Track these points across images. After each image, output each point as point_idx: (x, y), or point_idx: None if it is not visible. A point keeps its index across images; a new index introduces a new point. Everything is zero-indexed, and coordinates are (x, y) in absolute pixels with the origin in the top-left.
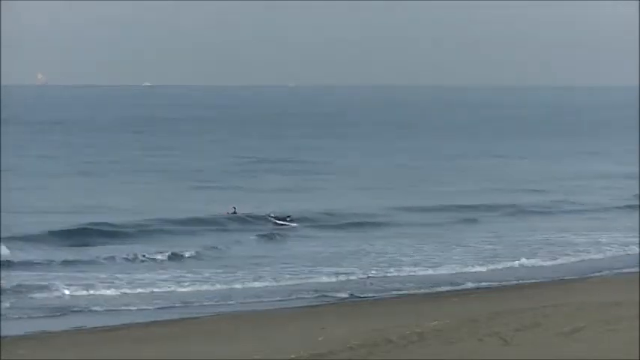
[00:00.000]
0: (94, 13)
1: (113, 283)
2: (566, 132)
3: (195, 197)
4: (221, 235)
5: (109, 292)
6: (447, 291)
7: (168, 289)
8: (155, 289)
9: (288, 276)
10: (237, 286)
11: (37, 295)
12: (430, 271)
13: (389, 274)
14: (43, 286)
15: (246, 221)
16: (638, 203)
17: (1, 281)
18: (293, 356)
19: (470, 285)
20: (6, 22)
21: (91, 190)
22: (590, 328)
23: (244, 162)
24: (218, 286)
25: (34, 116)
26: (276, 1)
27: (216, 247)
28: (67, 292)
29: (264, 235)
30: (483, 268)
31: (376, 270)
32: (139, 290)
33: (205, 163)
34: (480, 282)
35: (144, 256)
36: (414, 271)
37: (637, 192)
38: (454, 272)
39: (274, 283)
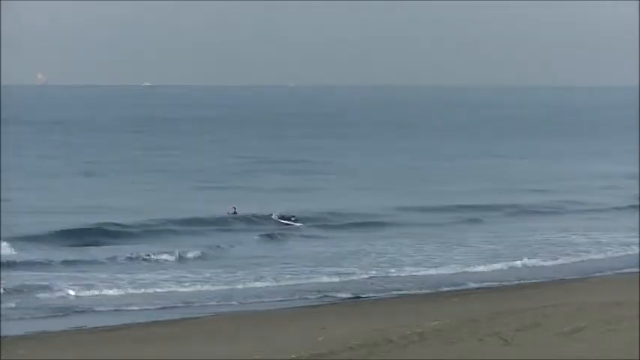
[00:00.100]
0: (94, 13)
1: (115, 283)
2: (566, 132)
3: (197, 197)
4: (225, 234)
5: (110, 292)
6: (448, 291)
7: (170, 289)
8: (157, 290)
9: (288, 276)
10: (239, 286)
11: (40, 295)
12: (431, 271)
13: (390, 274)
14: (45, 286)
15: (250, 221)
16: (638, 203)
17: (4, 281)
18: (293, 356)
19: (471, 285)
20: (6, 22)
21: (91, 190)
22: (590, 328)
23: (244, 162)
24: (221, 287)
25: (34, 116)
26: (276, 1)
27: (220, 247)
28: (70, 292)
29: (268, 235)
30: (484, 268)
31: (376, 270)
32: (142, 290)
33: (205, 163)
34: (481, 282)
35: (148, 255)
36: (416, 271)
37: (637, 192)
38: (455, 272)
39: (277, 283)
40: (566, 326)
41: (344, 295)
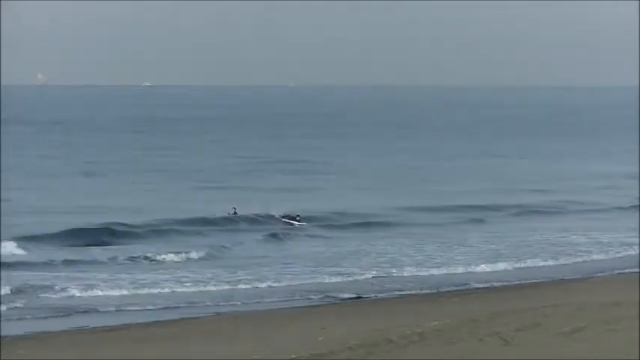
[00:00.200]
0: (94, 13)
1: (116, 283)
2: (566, 132)
3: (197, 197)
4: (230, 234)
5: (111, 292)
6: (448, 291)
7: (171, 290)
8: (159, 290)
9: (290, 276)
10: (242, 286)
11: (42, 295)
12: (432, 271)
13: (391, 274)
14: (47, 286)
15: (255, 221)
16: (638, 203)
17: (7, 281)
18: (293, 356)
19: (471, 285)
20: (6, 22)
21: (91, 190)
22: (590, 328)
23: (244, 162)
24: (224, 287)
25: (34, 116)
26: (276, 1)
27: (225, 247)
28: (72, 292)
29: (272, 235)
30: (485, 268)
31: (377, 270)
32: (144, 290)
33: (206, 163)
34: (482, 282)
35: (151, 255)
36: (417, 271)
37: (637, 192)
38: (456, 272)
39: (282, 284)
40: (566, 326)
41: (345, 295)
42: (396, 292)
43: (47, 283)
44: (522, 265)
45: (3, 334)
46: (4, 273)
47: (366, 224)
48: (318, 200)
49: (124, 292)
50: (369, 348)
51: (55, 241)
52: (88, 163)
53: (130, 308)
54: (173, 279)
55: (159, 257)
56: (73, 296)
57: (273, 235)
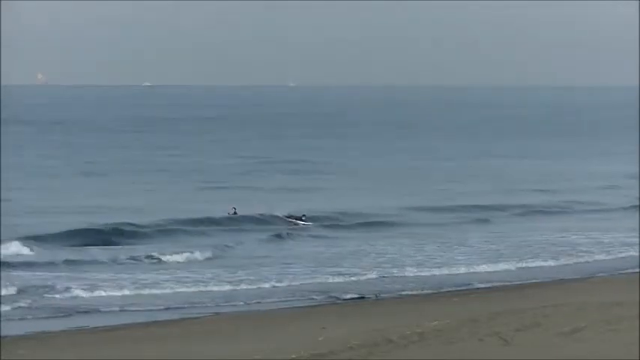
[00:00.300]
0: (94, 13)
1: (118, 283)
2: (566, 132)
3: (198, 197)
4: (233, 234)
5: (114, 292)
6: (448, 291)
7: (173, 290)
8: (160, 290)
9: (290, 276)
10: (243, 286)
11: (46, 295)
12: (433, 271)
13: (392, 274)
14: (50, 286)
15: (259, 221)
16: (638, 204)
17: (10, 281)
18: (293, 356)
19: (472, 285)
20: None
21: (91, 190)
22: (590, 328)
23: (245, 162)
24: (225, 287)
25: (34, 116)
26: (276, 1)
27: (229, 247)
28: (76, 292)
29: (277, 235)
30: (485, 269)
31: (379, 270)
32: (146, 291)
33: (206, 163)
34: (482, 282)
35: (155, 255)
36: (418, 271)
37: (637, 192)
38: (457, 273)
39: (283, 284)
40: (566, 326)
41: (347, 296)
42: (398, 293)
43: (50, 283)
44: (523, 265)
45: (3, 334)
46: (9, 273)
47: (367, 224)
48: (318, 200)
49: (126, 292)
50: (369, 348)
51: (57, 241)
52: (88, 163)
53: (131, 308)
54: (174, 279)
55: (162, 257)
56: (76, 297)
57: (277, 235)
